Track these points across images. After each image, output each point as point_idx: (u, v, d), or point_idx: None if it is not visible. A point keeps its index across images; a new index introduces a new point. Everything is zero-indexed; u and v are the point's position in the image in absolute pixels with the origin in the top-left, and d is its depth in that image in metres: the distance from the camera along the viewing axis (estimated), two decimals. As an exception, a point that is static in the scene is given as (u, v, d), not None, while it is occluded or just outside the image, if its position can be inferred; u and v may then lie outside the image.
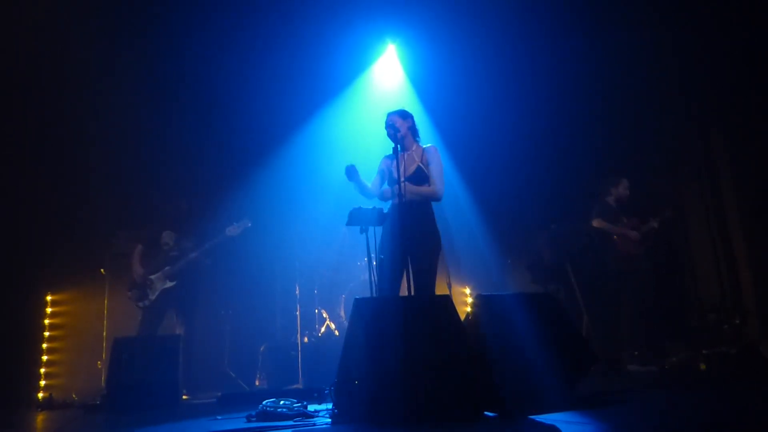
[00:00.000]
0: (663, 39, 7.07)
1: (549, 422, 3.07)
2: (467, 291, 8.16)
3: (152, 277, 6.14)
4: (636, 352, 6.17)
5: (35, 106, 6.77)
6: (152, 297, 6.11)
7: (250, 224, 6.25)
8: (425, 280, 4.41)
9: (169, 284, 6.14)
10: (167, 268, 6.15)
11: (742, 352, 5.00)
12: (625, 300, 6.38)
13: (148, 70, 6.88)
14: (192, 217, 6.42)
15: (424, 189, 4.58)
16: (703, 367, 5.28)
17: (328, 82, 7.53)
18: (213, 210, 6.64)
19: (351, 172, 4.48)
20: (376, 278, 4.39)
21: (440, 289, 6.23)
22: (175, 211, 6.39)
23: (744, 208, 6.68)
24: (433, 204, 4.66)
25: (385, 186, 4.75)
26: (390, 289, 4.39)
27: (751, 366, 4.82)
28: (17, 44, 6.29)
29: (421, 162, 4.63)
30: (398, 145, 4.42)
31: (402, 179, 4.33)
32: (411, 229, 4.37)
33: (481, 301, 4.11)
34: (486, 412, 3.39)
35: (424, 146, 4.73)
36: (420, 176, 4.59)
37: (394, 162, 4.39)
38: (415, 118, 4.82)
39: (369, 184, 4.69)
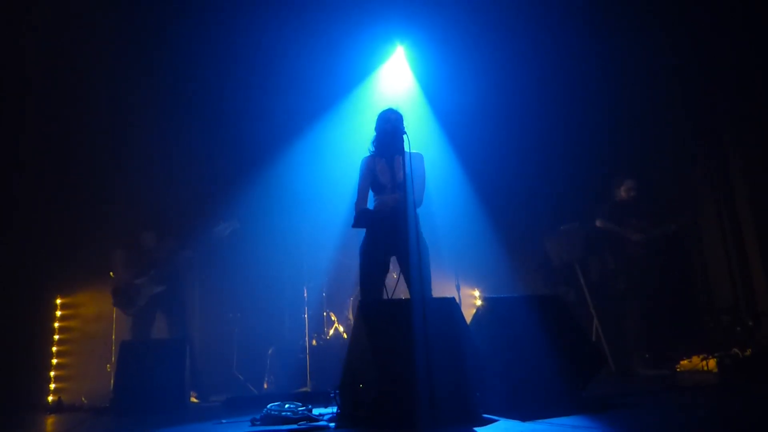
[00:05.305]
0: (676, 42, 7.01)
1: (556, 426, 3.02)
2: (476, 293, 8.12)
3: (137, 282, 5.85)
4: (646, 355, 6.11)
5: (46, 113, 6.83)
6: (141, 303, 5.84)
7: (238, 225, 5.96)
8: (428, 285, 4.32)
9: (158, 289, 5.88)
10: (153, 271, 5.88)
11: (755, 355, 4.94)
12: (631, 302, 6.32)
13: (161, 81, 6.95)
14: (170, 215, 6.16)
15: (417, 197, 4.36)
16: (715, 369, 5.23)
17: (336, 83, 7.52)
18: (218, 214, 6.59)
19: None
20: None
21: (449, 292, 6.22)
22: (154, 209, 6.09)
23: (757, 209, 6.61)
24: (424, 208, 4.54)
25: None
26: (378, 292, 4.33)
27: (764, 368, 4.76)
28: (31, 54, 6.38)
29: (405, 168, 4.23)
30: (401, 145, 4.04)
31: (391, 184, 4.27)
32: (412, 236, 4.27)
33: (488, 303, 4.08)
34: (491, 416, 3.35)
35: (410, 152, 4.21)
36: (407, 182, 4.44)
37: (382, 164, 4.35)
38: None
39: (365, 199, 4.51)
